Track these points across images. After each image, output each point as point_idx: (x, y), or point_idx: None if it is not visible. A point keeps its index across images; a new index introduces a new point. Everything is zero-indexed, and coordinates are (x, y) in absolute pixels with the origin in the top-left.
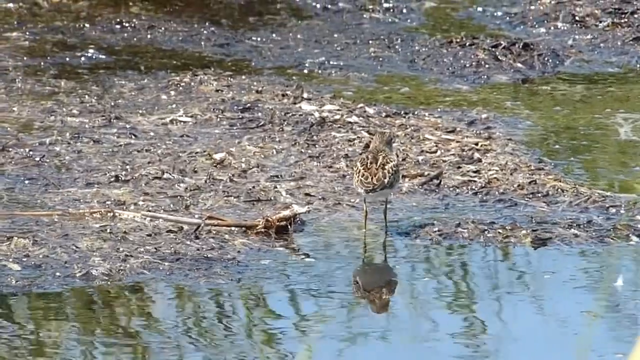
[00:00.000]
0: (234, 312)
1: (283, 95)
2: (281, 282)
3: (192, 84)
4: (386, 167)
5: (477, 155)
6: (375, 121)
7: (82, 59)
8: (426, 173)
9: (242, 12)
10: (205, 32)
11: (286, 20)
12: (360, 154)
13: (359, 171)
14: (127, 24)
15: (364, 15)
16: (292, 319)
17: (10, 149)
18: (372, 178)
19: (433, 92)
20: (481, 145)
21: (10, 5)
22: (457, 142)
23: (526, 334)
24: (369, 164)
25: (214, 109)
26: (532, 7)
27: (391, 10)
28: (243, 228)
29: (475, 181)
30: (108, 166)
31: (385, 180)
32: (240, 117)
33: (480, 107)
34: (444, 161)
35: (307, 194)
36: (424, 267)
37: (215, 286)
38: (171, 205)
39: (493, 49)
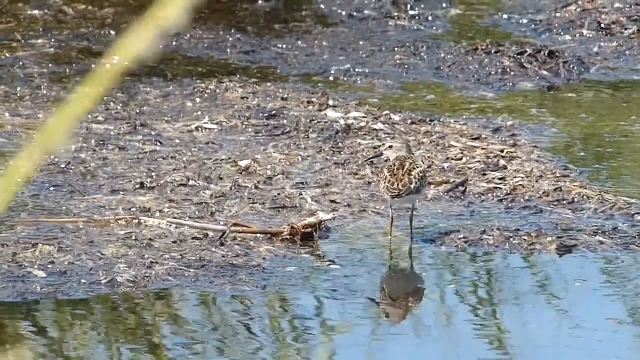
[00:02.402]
0: (259, 318)
1: (308, 102)
2: (306, 288)
3: (218, 91)
4: (412, 172)
5: (502, 162)
6: (401, 128)
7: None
8: (451, 180)
9: (268, 19)
10: (230, 39)
11: (311, 28)
12: (386, 160)
13: (385, 177)
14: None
15: (390, 23)
16: (317, 325)
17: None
18: (398, 183)
19: (458, 99)
20: (506, 152)
21: (36, 12)
22: (483, 149)
23: (551, 341)
24: (395, 170)
25: (239, 116)
26: (558, 15)
27: (417, 17)
28: (268, 235)
29: (500, 188)
30: (133, 173)
31: (412, 186)
32: (266, 124)
33: (506, 114)
34: (469, 168)
35: (332, 201)
36: (450, 274)
37: (241, 293)
38: (196, 212)
39: (518, 56)
